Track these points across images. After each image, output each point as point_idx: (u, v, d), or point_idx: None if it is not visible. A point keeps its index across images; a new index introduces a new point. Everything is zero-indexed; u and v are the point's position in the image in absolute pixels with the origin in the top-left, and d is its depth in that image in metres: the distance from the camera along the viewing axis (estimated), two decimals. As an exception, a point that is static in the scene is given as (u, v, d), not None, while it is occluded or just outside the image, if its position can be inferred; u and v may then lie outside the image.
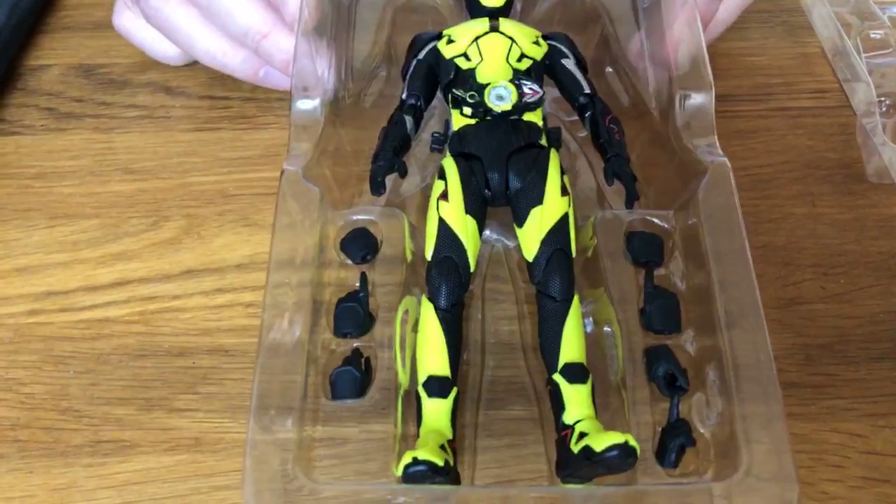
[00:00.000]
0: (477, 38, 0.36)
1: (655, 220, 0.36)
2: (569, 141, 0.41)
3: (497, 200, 0.34)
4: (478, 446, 0.33)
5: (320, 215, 0.35)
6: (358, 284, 0.34)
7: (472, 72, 0.36)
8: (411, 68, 0.37)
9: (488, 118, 0.34)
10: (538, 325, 0.32)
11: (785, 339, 0.37)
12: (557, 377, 0.30)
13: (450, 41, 0.37)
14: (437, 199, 0.33)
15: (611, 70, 0.44)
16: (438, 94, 0.37)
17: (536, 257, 0.32)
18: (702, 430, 0.31)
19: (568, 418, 0.30)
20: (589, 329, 0.33)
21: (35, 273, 0.40)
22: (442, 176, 0.34)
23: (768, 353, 0.30)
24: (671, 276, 0.34)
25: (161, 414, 0.36)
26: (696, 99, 0.36)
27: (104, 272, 0.40)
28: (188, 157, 0.45)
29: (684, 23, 0.38)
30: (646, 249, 0.35)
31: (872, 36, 0.48)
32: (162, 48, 0.47)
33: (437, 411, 0.30)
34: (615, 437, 0.27)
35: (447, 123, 0.36)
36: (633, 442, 0.27)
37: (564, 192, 0.33)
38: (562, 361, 0.31)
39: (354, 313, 0.33)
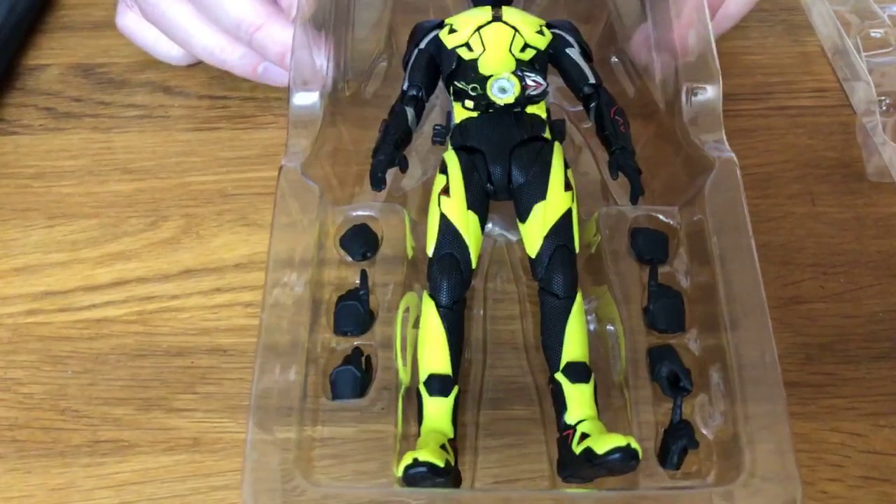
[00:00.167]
0: (479, 28, 0.36)
1: (660, 217, 0.35)
2: (573, 133, 0.40)
3: (499, 195, 0.34)
4: (479, 446, 0.33)
5: (319, 212, 0.34)
6: (358, 282, 0.34)
7: (474, 62, 0.35)
8: (412, 58, 0.37)
9: (491, 111, 0.34)
10: (540, 323, 0.32)
11: (785, 339, 0.37)
12: (559, 376, 0.30)
13: (452, 30, 0.36)
14: (439, 195, 0.33)
15: (616, 60, 0.43)
16: (441, 84, 0.37)
17: (539, 254, 0.32)
18: (704, 432, 0.30)
19: (570, 418, 0.29)
20: (592, 327, 0.33)
21: (34, 273, 0.40)
22: (443, 170, 0.33)
23: (773, 352, 0.30)
24: (675, 274, 0.34)
25: (159, 414, 0.36)
26: (704, 94, 0.36)
27: (103, 272, 0.40)
28: (187, 157, 0.45)
29: (692, 10, 0.38)
30: (650, 246, 0.34)
31: (872, 35, 0.48)
32: (165, 48, 0.47)
33: (438, 410, 0.30)
34: (617, 440, 0.26)
35: (449, 115, 0.35)
36: (635, 445, 0.26)
37: (568, 186, 0.33)
38: (564, 360, 0.31)
39: (354, 311, 0.33)
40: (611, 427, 0.29)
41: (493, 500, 0.30)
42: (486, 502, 0.30)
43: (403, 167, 0.34)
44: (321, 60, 0.38)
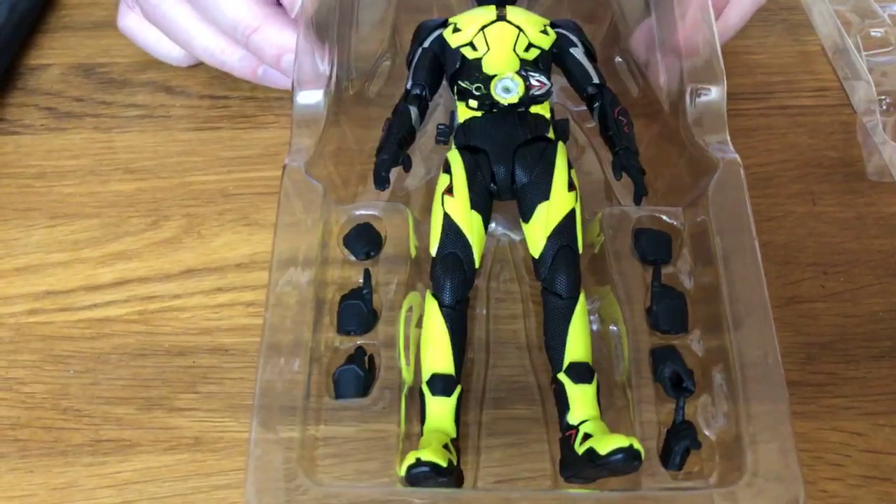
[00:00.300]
0: (483, 27, 0.35)
1: (664, 217, 0.35)
2: (576, 132, 0.40)
3: (503, 195, 0.34)
4: (481, 445, 0.33)
5: (323, 212, 0.34)
6: (361, 281, 0.34)
7: (478, 62, 0.35)
8: (416, 57, 0.37)
9: (494, 110, 0.34)
10: (543, 323, 0.32)
11: (785, 338, 0.37)
12: (562, 377, 0.30)
13: (456, 30, 0.36)
14: (442, 194, 0.33)
15: (620, 60, 0.43)
16: (444, 83, 0.37)
17: (542, 254, 0.32)
18: (707, 433, 0.30)
19: (572, 418, 0.29)
20: (595, 327, 0.33)
21: (35, 272, 0.40)
22: (447, 170, 0.33)
23: (776, 352, 0.30)
24: (679, 275, 0.34)
25: (161, 413, 0.36)
26: (708, 94, 0.36)
27: (104, 272, 0.40)
28: (188, 157, 0.45)
29: (697, 11, 0.38)
30: (654, 247, 0.34)
31: (873, 34, 0.48)
32: (166, 49, 0.47)
33: (440, 410, 0.30)
34: (620, 441, 0.27)
35: (452, 115, 0.35)
36: (637, 445, 0.26)
37: (571, 186, 0.33)
38: (567, 360, 0.31)
39: (358, 311, 0.33)
40: (613, 427, 0.29)
41: (496, 500, 0.30)
42: (488, 502, 0.30)
43: (407, 166, 0.34)
44: (324, 60, 0.38)
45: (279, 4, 0.42)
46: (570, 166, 0.33)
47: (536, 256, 0.32)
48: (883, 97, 0.45)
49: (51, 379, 0.37)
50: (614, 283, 0.34)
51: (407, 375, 0.32)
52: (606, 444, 0.27)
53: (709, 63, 0.36)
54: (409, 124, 0.35)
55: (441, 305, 0.31)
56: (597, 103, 0.36)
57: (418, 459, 0.27)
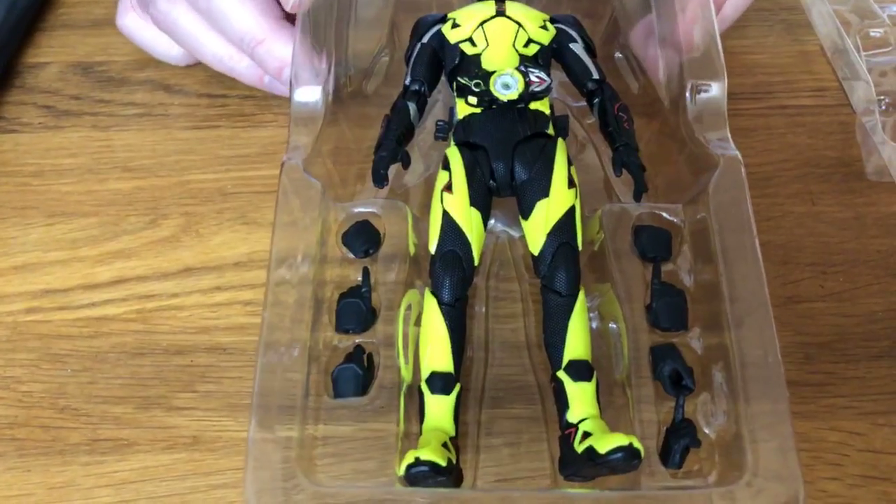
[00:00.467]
0: (483, 23, 0.35)
1: (664, 214, 0.35)
2: (576, 129, 0.40)
3: (502, 191, 0.33)
4: (480, 444, 0.33)
5: (321, 209, 0.34)
6: (360, 279, 0.34)
7: (477, 58, 0.35)
8: (415, 53, 0.36)
9: (494, 107, 0.34)
10: (543, 321, 0.32)
11: (784, 338, 0.36)
12: (562, 374, 0.30)
13: (455, 25, 0.36)
14: (441, 191, 0.33)
15: (620, 56, 0.43)
16: (443, 79, 0.37)
17: (542, 251, 0.32)
18: (706, 431, 0.30)
19: (572, 417, 0.29)
20: (594, 325, 0.33)
21: (33, 271, 0.40)
22: (446, 166, 0.33)
23: (776, 351, 0.30)
24: (679, 272, 0.34)
25: (159, 412, 0.36)
26: (708, 91, 0.36)
27: (102, 270, 0.40)
28: (186, 155, 0.45)
29: (697, 7, 0.38)
30: (654, 244, 0.34)
31: (872, 34, 0.48)
32: (164, 49, 0.47)
33: (439, 408, 0.30)
34: (620, 439, 0.26)
35: (452, 111, 0.35)
36: (637, 444, 0.26)
37: (571, 183, 0.33)
38: (566, 358, 0.30)
39: (356, 309, 0.33)
40: (613, 425, 0.29)
41: (495, 500, 0.29)
42: (487, 502, 0.30)
43: (406, 163, 0.34)
44: (322, 57, 0.38)
45: (287, 17, 0.42)
46: (569, 163, 0.33)
47: (536, 254, 0.32)
48: (882, 97, 0.45)
49: (48, 378, 0.37)
50: (614, 280, 0.34)
51: (406, 374, 0.32)
52: (606, 442, 0.27)
53: (709, 59, 0.36)
54: (407, 121, 0.35)
55: (440, 303, 0.31)
56: (597, 99, 0.36)
57: (417, 459, 0.27)
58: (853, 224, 0.41)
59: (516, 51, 0.35)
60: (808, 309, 0.38)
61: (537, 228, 0.32)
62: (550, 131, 0.34)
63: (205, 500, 0.34)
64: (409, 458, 0.27)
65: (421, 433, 0.30)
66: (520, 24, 0.35)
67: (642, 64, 0.41)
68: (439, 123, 0.35)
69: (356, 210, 0.36)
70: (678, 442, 0.30)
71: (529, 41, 0.35)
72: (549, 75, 0.34)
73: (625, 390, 0.32)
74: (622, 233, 0.35)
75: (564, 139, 0.34)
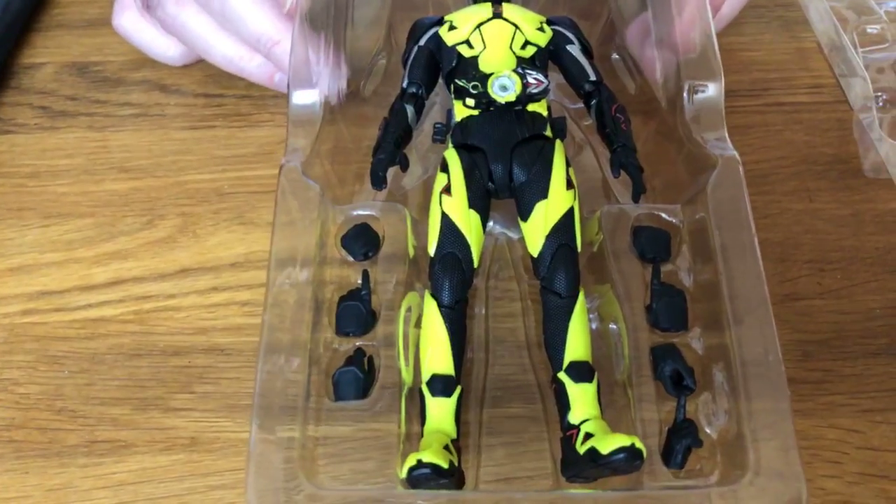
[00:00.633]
0: (480, 25, 0.35)
1: (663, 215, 0.35)
2: (574, 130, 0.40)
3: (501, 193, 0.33)
4: (482, 445, 0.33)
5: (320, 211, 0.34)
6: (360, 282, 0.34)
7: (474, 60, 0.35)
8: (412, 55, 0.36)
9: (492, 109, 0.34)
10: (543, 322, 0.32)
11: (782, 335, 0.36)
12: (563, 376, 0.30)
13: (452, 27, 0.36)
14: (440, 193, 0.32)
15: (617, 57, 0.43)
16: (441, 82, 0.37)
17: (541, 252, 0.32)
18: (708, 430, 0.30)
19: (573, 418, 0.29)
20: (594, 326, 0.33)
21: (29, 272, 0.40)
22: (444, 169, 0.33)
23: (776, 350, 0.30)
24: (678, 272, 0.34)
25: (157, 414, 0.36)
26: (705, 91, 0.36)
27: (99, 271, 0.40)
28: (183, 156, 0.45)
29: (695, 8, 0.38)
30: (653, 245, 0.34)
31: (869, 31, 0.48)
32: (161, 49, 0.47)
33: (440, 411, 0.30)
34: (622, 440, 0.26)
35: (449, 113, 0.35)
36: (639, 444, 0.26)
37: (570, 185, 0.33)
38: (567, 360, 0.30)
39: (356, 312, 0.33)
40: (614, 426, 0.29)
41: (498, 502, 0.29)
42: (490, 503, 0.30)
43: (404, 166, 0.34)
44: (320, 58, 0.38)
45: None
46: (567, 164, 0.33)
47: (535, 255, 0.32)
48: (879, 94, 0.45)
49: (45, 379, 0.37)
50: (613, 281, 0.34)
51: (406, 376, 0.32)
52: (608, 443, 0.27)
53: (706, 60, 0.36)
54: (405, 123, 0.35)
55: (440, 305, 0.31)
56: (594, 101, 0.36)
57: (419, 461, 0.27)
58: (850, 221, 0.41)
59: (513, 53, 0.35)
60: (805, 306, 0.38)
61: (536, 230, 0.32)
62: (548, 133, 0.34)
63: (203, 500, 0.34)
64: (411, 461, 0.27)
65: (422, 435, 0.30)
66: (517, 27, 0.35)
67: (638, 64, 0.41)
68: (437, 126, 0.35)
69: (355, 213, 0.36)
70: (680, 442, 0.30)
71: (526, 43, 0.35)
72: (546, 77, 0.34)
73: (626, 391, 0.32)
74: (621, 233, 0.35)
75: (562, 141, 0.34)
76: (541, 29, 0.36)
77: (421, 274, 0.34)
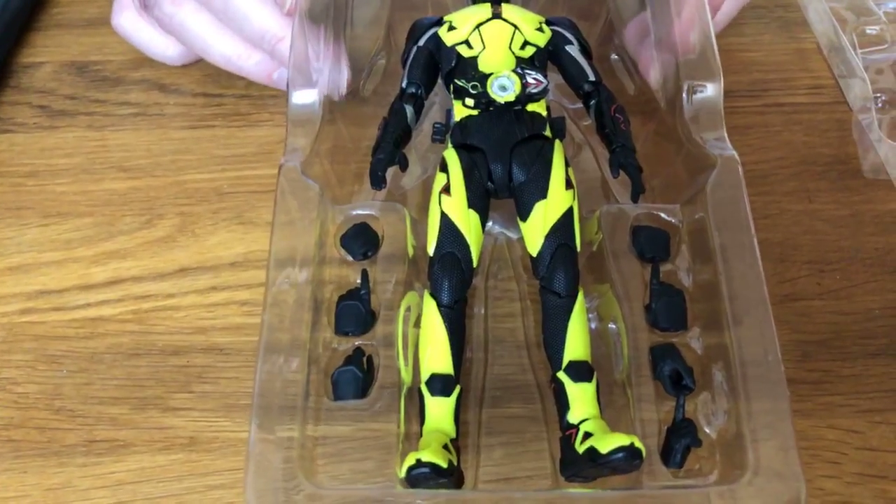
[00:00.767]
0: (479, 25, 0.35)
1: (662, 215, 0.35)
2: (573, 130, 0.40)
3: (500, 193, 0.33)
4: (481, 445, 0.33)
5: (320, 211, 0.34)
6: (359, 281, 0.34)
7: (473, 60, 0.35)
8: (411, 56, 0.36)
9: (491, 109, 0.34)
10: (542, 322, 0.32)
11: (781, 336, 0.36)
12: (562, 375, 0.30)
13: (451, 28, 0.36)
14: (440, 193, 0.32)
15: (616, 57, 0.43)
16: (440, 82, 0.37)
17: (540, 252, 0.32)
18: (707, 430, 0.30)
19: (572, 417, 0.29)
20: (593, 325, 0.33)
21: (28, 272, 0.40)
22: (444, 168, 0.33)
23: (776, 350, 0.30)
24: (677, 272, 0.34)
25: (155, 413, 0.36)
26: (704, 91, 0.36)
27: (98, 271, 0.40)
28: (182, 155, 0.45)
29: (694, 9, 0.38)
30: (652, 245, 0.34)
31: (868, 31, 0.48)
32: (160, 48, 0.47)
33: (440, 410, 0.30)
34: (621, 439, 0.26)
35: (448, 113, 0.35)
36: (638, 444, 0.26)
37: (569, 185, 0.33)
38: (566, 359, 0.30)
39: (356, 311, 0.33)
40: (613, 426, 0.29)
41: (496, 501, 0.29)
42: (489, 503, 0.30)
43: (403, 165, 0.34)
44: (320, 58, 0.38)
45: None
46: (567, 164, 0.33)
47: (534, 255, 0.32)
48: (878, 95, 0.45)
49: (44, 379, 0.37)
50: (613, 280, 0.34)
51: (406, 376, 0.32)
52: (607, 442, 0.27)
53: (705, 60, 0.36)
54: (404, 123, 0.35)
55: (439, 305, 0.31)
56: (593, 101, 0.36)
57: (418, 460, 0.27)
58: (850, 222, 0.41)
59: (513, 53, 0.35)
60: (805, 307, 0.38)
61: (535, 230, 0.32)
62: (547, 133, 0.34)
63: (201, 500, 0.34)
64: (411, 460, 0.27)
65: (421, 435, 0.30)
66: (516, 27, 0.36)
67: (636, 64, 0.41)
68: (436, 126, 0.35)
69: (354, 212, 0.36)
70: (679, 441, 0.30)
71: (526, 43, 0.35)
72: (545, 77, 0.34)
73: (625, 390, 0.32)
74: (620, 233, 0.35)
75: (561, 141, 0.34)
76: (540, 29, 0.36)
77: (420, 274, 0.34)
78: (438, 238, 0.32)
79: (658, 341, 0.32)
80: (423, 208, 0.34)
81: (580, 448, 0.28)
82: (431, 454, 0.27)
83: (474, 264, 0.32)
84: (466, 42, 0.35)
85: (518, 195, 0.33)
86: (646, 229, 0.35)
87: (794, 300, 0.38)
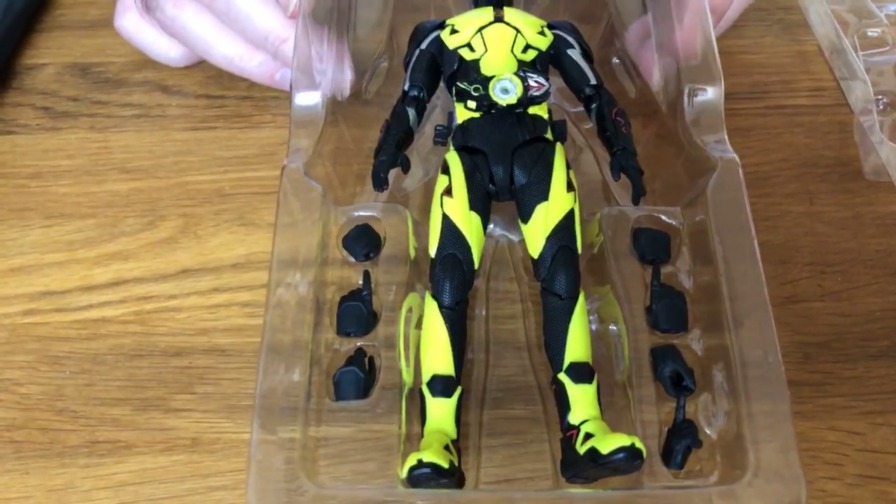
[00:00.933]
0: (481, 29, 0.36)
1: (663, 217, 0.36)
2: (574, 133, 0.41)
3: (502, 195, 0.34)
4: (482, 446, 0.33)
5: (322, 213, 0.34)
6: (361, 282, 0.34)
7: (476, 63, 0.35)
8: (413, 59, 0.37)
9: (493, 111, 0.34)
10: (543, 324, 0.32)
11: (782, 338, 0.36)
12: (563, 377, 0.30)
13: (453, 31, 0.36)
14: (441, 195, 0.33)
15: (617, 61, 0.43)
16: (442, 85, 0.37)
17: (542, 254, 0.32)
18: (708, 431, 0.31)
19: (573, 418, 0.29)
20: (594, 327, 0.33)
21: (31, 273, 0.40)
22: (446, 171, 0.33)
23: (776, 351, 0.30)
24: (678, 274, 0.34)
25: (157, 414, 0.36)
26: (705, 94, 0.36)
27: (100, 272, 0.40)
28: (184, 157, 0.45)
29: (695, 15, 0.38)
30: (653, 247, 0.34)
31: (869, 34, 0.48)
32: (163, 50, 0.47)
33: (441, 411, 0.30)
34: (622, 440, 0.27)
35: (451, 116, 0.35)
36: (639, 444, 0.26)
37: (570, 187, 0.33)
38: (567, 360, 0.30)
39: (357, 312, 0.33)
40: (614, 427, 0.29)
41: (497, 501, 0.29)
42: (489, 503, 0.30)
43: (405, 168, 0.34)
44: (323, 60, 0.38)
45: None
46: (568, 167, 0.34)
47: (535, 257, 0.32)
48: (880, 97, 0.45)
49: (46, 380, 0.37)
50: (614, 282, 0.34)
51: (407, 377, 0.32)
52: (608, 443, 0.27)
53: (706, 63, 0.37)
54: (407, 126, 0.35)
55: (441, 306, 0.31)
56: (594, 104, 0.36)
57: (420, 461, 0.27)
58: (851, 224, 0.41)
59: (515, 56, 0.35)
60: (806, 309, 0.38)
61: (537, 232, 0.32)
62: (549, 136, 0.34)
63: (203, 501, 0.34)
64: (412, 461, 0.27)
65: (423, 435, 0.30)
66: (518, 30, 0.36)
67: (637, 67, 0.41)
68: (438, 128, 0.35)
69: (356, 214, 0.36)
70: (680, 442, 0.30)
71: (528, 47, 0.36)
72: (547, 80, 0.34)
73: (626, 391, 0.32)
74: (621, 235, 0.35)
75: (563, 143, 0.35)
76: (542, 33, 0.36)
77: (422, 275, 0.34)
78: (440, 240, 0.32)
79: (659, 343, 0.32)
80: (425, 210, 0.34)
81: (581, 449, 0.28)
82: (433, 455, 0.27)
83: (475, 266, 0.32)
84: (468, 45, 0.36)
85: (519, 197, 0.33)
86: (647, 231, 0.35)
87: (795, 302, 0.38)
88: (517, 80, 0.34)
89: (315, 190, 0.34)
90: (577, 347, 0.31)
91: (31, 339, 0.38)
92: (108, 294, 0.40)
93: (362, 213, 0.36)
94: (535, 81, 0.34)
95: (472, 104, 0.34)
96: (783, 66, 0.48)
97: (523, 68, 0.35)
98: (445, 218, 0.32)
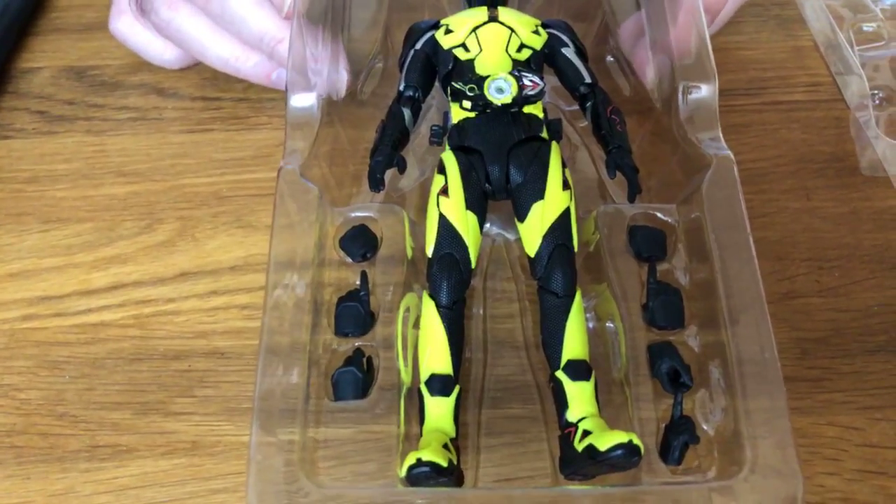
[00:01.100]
0: (475, 29, 0.36)
1: (658, 214, 0.36)
2: (570, 132, 0.41)
3: (498, 195, 0.34)
4: (480, 444, 0.33)
5: (319, 214, 0.34)
6: (358, 283, 0.34)
7: (470, 63, 0.35)
8: (408, 59, 0.37)
9: (488, 111, 0.34)
10: (540, 322, 0.32)
11: (780, 333, 0.37)
12: (560, 374, 0.30)
13: (448, 31, 0.36)
14: (438, 195, 0.33)
15: (611, 59, 0.44)
16: (437, 84, 0.37)
17: (538, 253, 0.32)
18: (705, 427, 0.31)
19: (571, 416, 0.29)
20: (591, 325, 0.33)
21: (29, 278, 0.40)
22: (442, 170, 0.33)
23: (772, 347, 0.30)
24: (674, 271, 0.34)
25: (157, 418, 0.36)
26: (699, 92, 0.36)
27: (98, 276, 0.40)
28: (181, 159, 0.45)
29: (688, 13, 0.38)
30: (649, 244, 0.34)
31: (865, 29, 0.48)
32: (158, 52, 0.47)
33: (439, 410, 0.30)
34: (619, 437, 0.27)
35: (446, 116, 0.35)
36: (637, 441, 0.27)
37: (566, 186, 0.33)
38: (564, 358, 0.31)
39: (355, 312, 0.33)
40: (612, 424, 0.29)
41: (496, 499, 0.29)
42: (488, 501, 0.30)
43: (401, 168, 0.34)
44: (318, 61, 0.38)
45: None
46: (564, 165, 0.34)
47: (532, 255, 0.32)
48: (875, 92, 0.45)
49: (46, 385, 0.37)
50: (610, 280, 0.34)
51: (405, 376, 0.32)
52: (606, 440, 0.27)
53: (700, 61, 0.37)
54: (402, 126, 0.35)
55: (438, 306, 0.31)
56: (589, 102, 0.36)
57: (419, 460, 0.27)
58: (848, 219, 0.41)
59: (509, 56, 0.35)
60: (803, 304, 0.38)
61: (533, 230, 0.32)
62: (544, 135, 0.34)
63: (204, 504, 0.34)
64: (411, 460, 0.27)
65: (421, 435, 0.30)
66: (512, 30, 0.36)
67: (632, 65, 0.41)
68: (434, 128, 0.35)
69: (353, 214, 0.36)
70: (677, 439, 0.30)
71: (522, 46, 0.36)
72: (542, 79, 0.34)
73: (623, 389, 0.32)
74: (617, 233, 0.35)
75: (558, 142, 0.35)
76: (536, 32, 0.36)
77: (419, 275, 0.35)
78: (437, 239, 0.32)
79: (655, 339, 0.32)
80: (422, 210, 0.34)
81: (579, 446, 0.28)
82: (432, 453, 0.27)
83: (472, 265, 0.32)
84: (463, 45, 0.36)
85: (515, 196, 0.33)
86: (642, 229, 0.35)
87: (792, 298, 0.38)
88: (512, 80, 0.34)
89: (311, 191, 0.34)
90: (574, 345, 0.31)
91: (30, 344, 0.38)
92: (106, 298, 0.40)
93: (359, 214, 0.36)
94: (530, 80, 0.34)
95: (467, 104, 0.34)
96: (779, 61, 0.48)
97: (518, 67, 0.35)
98: (442, 217, 0.32)
